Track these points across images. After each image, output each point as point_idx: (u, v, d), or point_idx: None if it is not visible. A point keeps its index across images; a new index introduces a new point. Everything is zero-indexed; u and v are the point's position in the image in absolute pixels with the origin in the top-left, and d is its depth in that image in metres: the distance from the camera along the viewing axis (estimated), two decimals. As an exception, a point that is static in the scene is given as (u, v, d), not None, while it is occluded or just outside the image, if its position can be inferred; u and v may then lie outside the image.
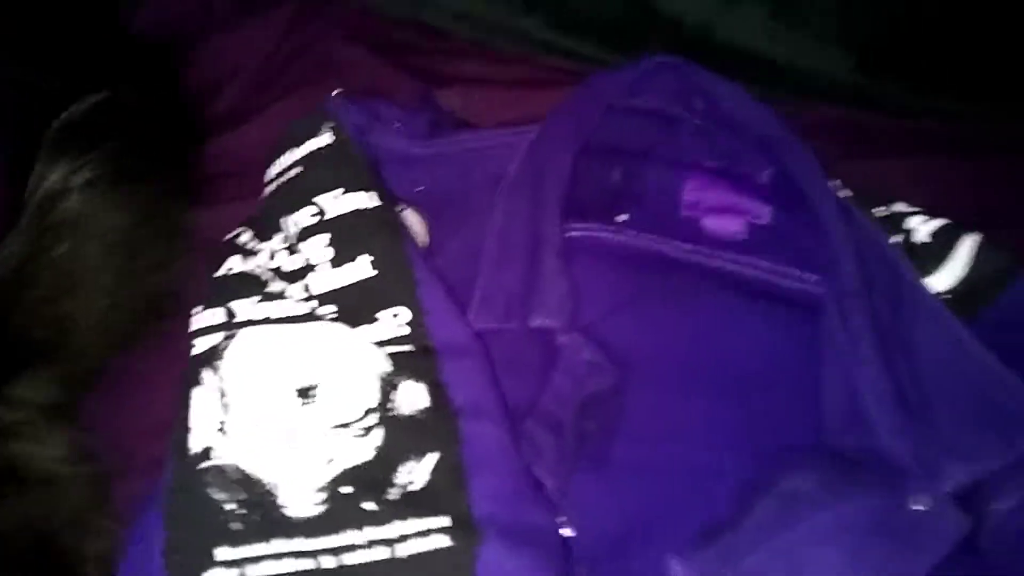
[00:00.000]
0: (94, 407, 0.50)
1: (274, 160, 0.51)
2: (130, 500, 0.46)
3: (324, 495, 0.39)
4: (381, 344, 0.43)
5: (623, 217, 0.56)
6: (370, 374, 0.42)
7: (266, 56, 0.64)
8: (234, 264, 0.47)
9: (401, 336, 0.43)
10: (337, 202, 0.47)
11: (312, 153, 0.49)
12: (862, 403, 0.46)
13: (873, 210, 0.54)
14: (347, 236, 0.46)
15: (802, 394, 0.49)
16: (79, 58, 0.58)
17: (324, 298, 0.45)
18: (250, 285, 0.45)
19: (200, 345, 0.44)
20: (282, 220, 0.48)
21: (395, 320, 0.44)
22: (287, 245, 0.47)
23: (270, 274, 0.46)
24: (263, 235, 0.48)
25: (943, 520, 0.42)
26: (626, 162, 0.57)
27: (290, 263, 0.47)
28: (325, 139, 0.49)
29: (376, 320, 0.44)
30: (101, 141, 0.53)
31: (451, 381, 0.43)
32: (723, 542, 0.43)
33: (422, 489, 0.40)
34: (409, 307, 0.44)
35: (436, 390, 0.42)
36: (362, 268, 0.45)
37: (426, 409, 0.42)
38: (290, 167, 0.49)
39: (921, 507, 0.43)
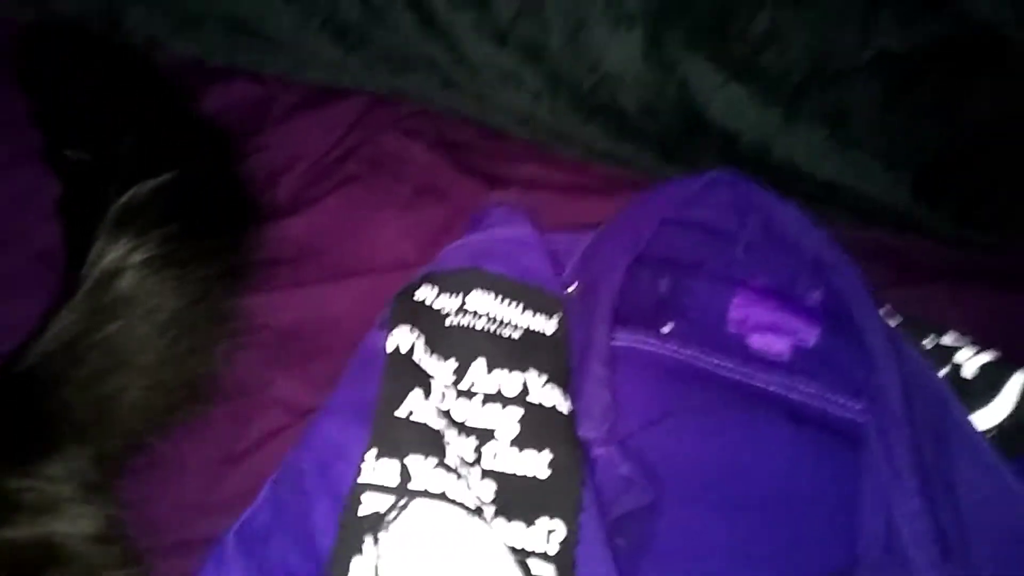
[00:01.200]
0: (128, 487, 0.51)
1: (496, 297, 0.51)
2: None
3: None
4: (527, 554, 0.43)
5: (668, 328, 0.57)
6: None
7: (327, 148, 0.67)
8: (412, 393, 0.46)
9: (549, 554, 0.43)
10: (541, 391, 0.47)
11: (534, 332, 0.50)
12: (900, 537, 0.46)
13: (922, 341, 0.54)
14: (539, 425, 0.46)
15: (838, 522, 0.49)
16: (145, 139, 0.61)
17: (492, 475, 0.45)
18: (432, 442, 0.44)
19: (367, 504, 0.42)
20: (478, 359, 0.48)
21: (550, 534, 0.43)
22: (464, 389, 0.47)
23: (444, 423, 0.46)
24: (434, 347, 0.48)
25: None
26: (675, 273, 0.58)
27: (464, 414, 0.47)
28: (551, 325, 0.50)
29: (532, 524, 0.44)
30: (161, 223, 0.55)
31: None
32: None
33: None
34: (568, 526, 0.44)
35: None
36: (540, 463, 0.45)
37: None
38: (508, 321, 0.50)
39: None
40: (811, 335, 0.56)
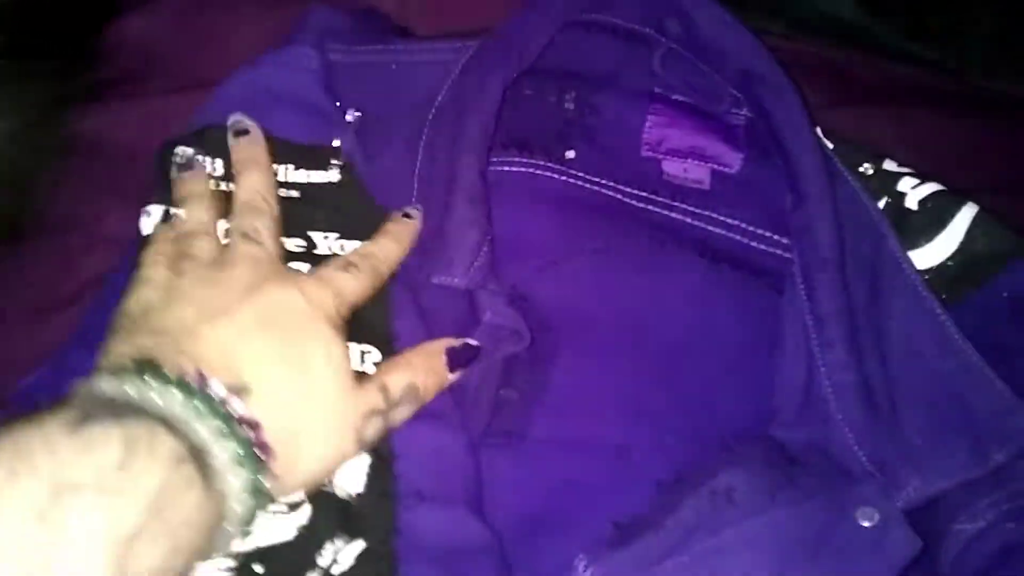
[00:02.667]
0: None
1: None
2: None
3: (232, 566, 0.37)
4: None
5: (571, 153, 0.51)
6: None
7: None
8: None
9: (365, 375, 0.41)
10: (328, 242, 0.45)
11: (313, 185, 0.46)
12: (821, 394, 0.42)
13: (860, 168, 0.49)
14: None
15: (751, 377, 0.45)
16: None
17: None
18: None
19: None
20: None
21: (363, 357, 0.42)
22: None
23: None
24: None
25: (891, 539, 0.38)
26: (581, 88, 0.52)
27: None
28: (332, 175, 0.47)
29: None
30: None
31: (405, 455, 0.40)
32: (641, 543, 0.39)
33: (343, 574, 0.38)
34: (380, 349, 0.42)
35: (380, 468, 0.40)
36: None
37: (362, 493, 0.39)
38: (283, 184, 0.46)
39: (868, 522, 0.39)
40: (734, 160, 0.51)
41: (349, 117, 0.48)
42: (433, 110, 0.48)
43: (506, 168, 0.50)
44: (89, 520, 0.28)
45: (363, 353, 0.42)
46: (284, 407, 0.36)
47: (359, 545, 0.38)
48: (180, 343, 0.35)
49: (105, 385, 0.32)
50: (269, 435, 0.35)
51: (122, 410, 0.31)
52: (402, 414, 0.40)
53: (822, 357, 0.43)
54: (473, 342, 0.42)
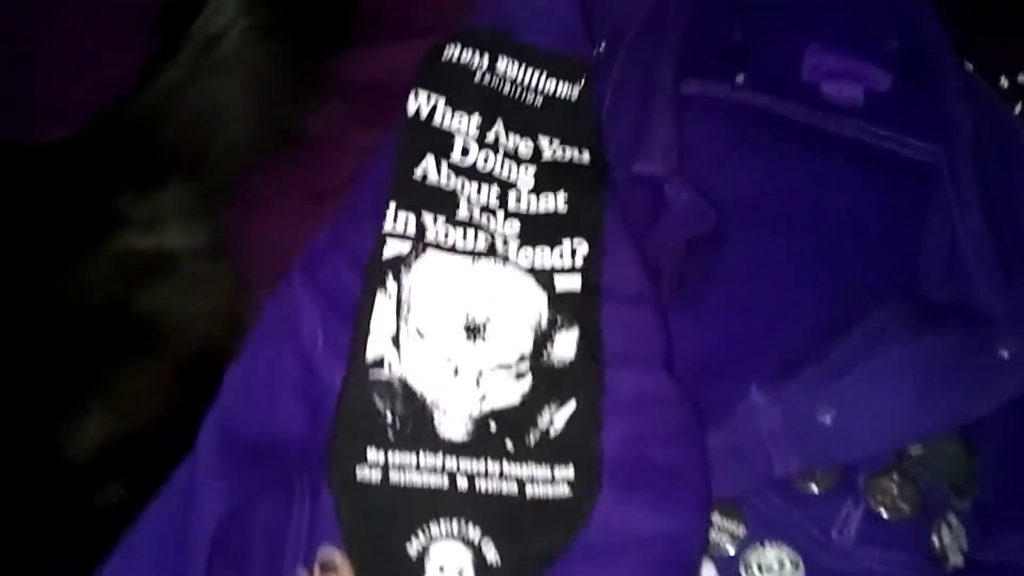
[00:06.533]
0: (229, 225, 0.59)
1: (521, 65, 0.54)
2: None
3: (472, 426, 0.45)
4: (553, 271, 0.49)
5: (740, 78, 0.60)
6: (529, 324, 0.48)
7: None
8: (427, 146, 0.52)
9: (575, 267, 0.49)
10: (553, 148, 0.53)
11: (555, 97, 0.54)
12: (963, 259, 0.51)
13: (998, 81, 0.58)
14: (553, 175, 0.52)
15: (900, 249, 0.54)
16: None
17: (515, 216, 0.51)
18: (443, 202, 0.50)
19: (390, 248, 0.49)
20: (498, 120, 0.53)
21: (574, 250, 0.49)
22: (490, 142, 0.53)
23: (461, 180, 0.51)
24: (459, 105, 0.53)
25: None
26: (749, 21, 0.61)
27: (488, 165, 0.52)
28: (575, 92, 0.54)
29: (558, 244, 0.50)
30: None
31: (609, 327, 0.48)
32: (805, 375, 0.49)
33: (557, 437, 0.46)
34: (590, 242, 0.50)
35: (588, 336, 0.47)
36: (558, 202, 0.51)
37: (573, 361, 0.47)
38: (531, 86, 0.54)
39: (1007, 352, 0.48)
40: (885, 80, 0.59)
41: (596, 49, 0.58)
42: (629, 37, 0.59)
43: (685, 90, 0.59)
44: None
45: (574, 248, 0.50)
46: None
47: (570, 407, 0.46)
48: None
49: None
50: None
51: None
52: None
53: (966, 236, 0.52)
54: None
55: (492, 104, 0.54)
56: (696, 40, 0.60)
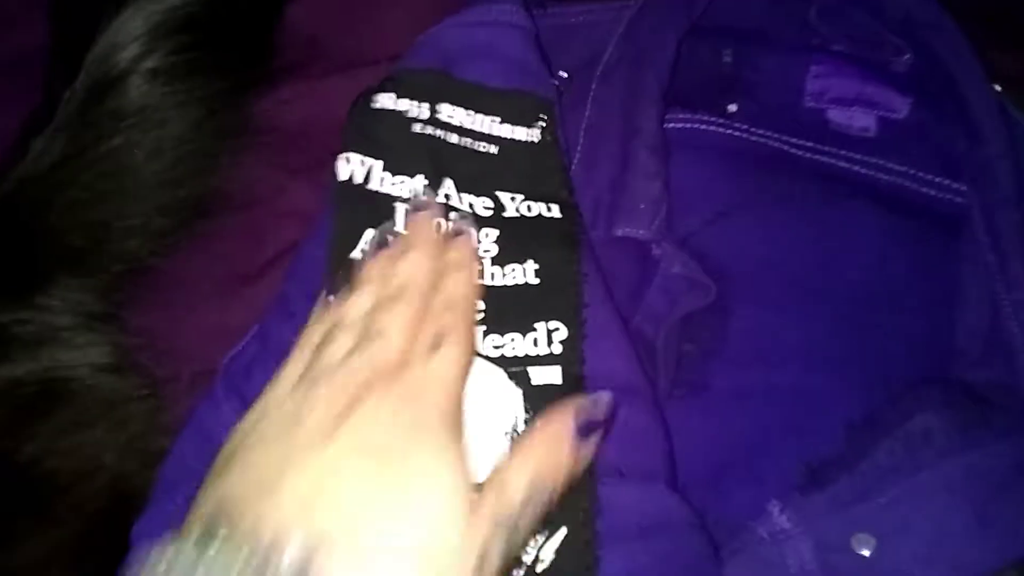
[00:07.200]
0: (139, 316, 0.50)
1: (469, 111, 0.48)
2: (179, 409, 0.47)
3: None
4: (528, 360, 0.42)
5: (733, 107, 0.53)
6: (502, 429, 0.40)
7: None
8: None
9: (552, 355, 0.42)
10: (516, 204, 0.46)
11: (513, 143, 0.47)
12: (1006, 332, 0.44)
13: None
14: (518, 239, 0.44)
15: (929, 320, 0.47)
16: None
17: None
18: None
19: None
20: (447, 178, 0.46)
21: (551, 335, 0.42)
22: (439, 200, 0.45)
23: None
24: (398, 165, 0.46)
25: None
26: (739, 44, 0.54)
27: None
28: (534, 135, 0.47)
29: (531, 330, 0.42)
30: (176, 28, 0.52)
31: None
32: (835, 486, 0.42)
33: (546, 571, 0.38)
34: (568, 324, 0.42)
35: None
36: (527, 273, 0.44)
37: None
38: (482, 133, 0.47)
39: (1066, 456, 0.41)
40: (902, 106, 0.52)
41: (555, 81, 0.49)
42: (601, 66, 0.51)
43: (670, 125, 0.52)
44: None
45: (550, 332, 0.42)
46: (375, 559, 0.32)
47: (560, 536, 0.38)
48: (258, 499, 0.33)
49: (178, 558, 0.31)
50: None
51: None
52: (529, 519, 0.35)
53: (1007, 296, 0.45)
54: (607, 396, 0.38)
55: (437, 160, 0.46)
56: (679, 66, 0.53)
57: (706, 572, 0.41)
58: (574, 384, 0.41)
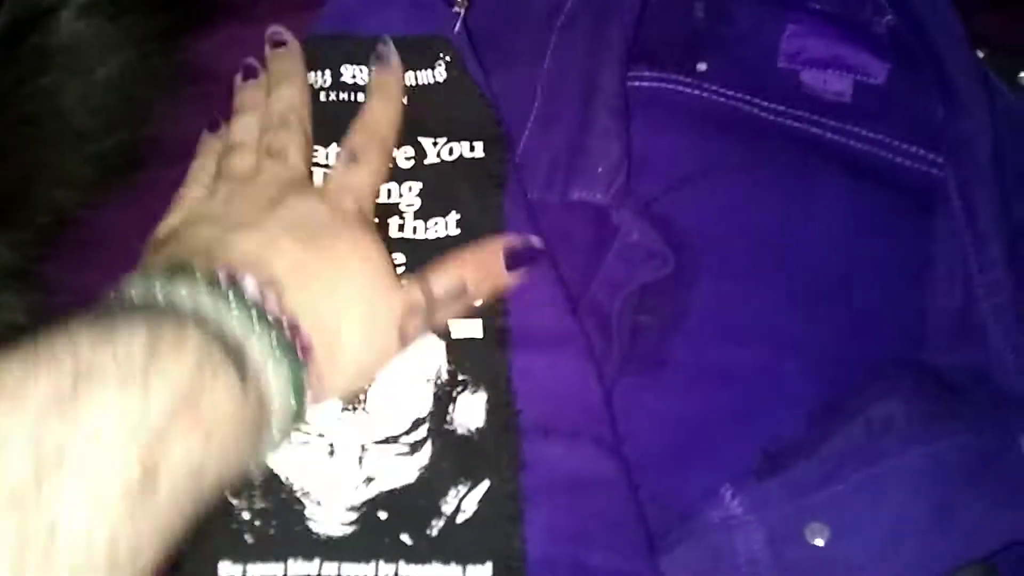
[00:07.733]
0: (61, 270, 0.47)
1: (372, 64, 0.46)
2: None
3: (356, 517, 0.37)
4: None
5: (703, 66, 0.51)
6: (425, 379, 0.40)
7: None
8: None
9: (473, 311, 0.41)
10: (436, 148, 0.44)
11: (421, 87, 0.46)
12: (978, 316, 0.43)
13: (1018, 74, 0.48)
14: (440, 188, 0.44)
15: (900, 301, 0.45)
16: None
17: (397, 246, 0.42)
18: None
19: None
20: None
21: None
22: None
23: None
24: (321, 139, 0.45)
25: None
26: (712, -3, 0.51)
27: None
28: (439, 74, 0.46)
29: None
30: None
31: (521, 387, 0.39)
32: (792, 472, 0.40)
33: (468, 522, 0.37)
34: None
35: (498, 396, 0.39)
36: (448, 225, 0.43)
37: (483, 428, 0.39)
38: None
39: (1030, 443, 0.39)
40: (879, 70, 0.50)
41: (457, 9, 0.47)
42: (562, 17, 0.48)
43: (635, 83, 0.50)
44: (111, 413, 0.27)
45: None
46: (320, 304, 0.36)
47: (483, 487, 0.38)
48: (211, 252, 0.36)
49: (134, 290, 0.33)
50: (306, 331, 0.35)
51: (149, 310, 0.31)
52: (447, 313, 0.39)
53: (981, 277, 0.43)
54: (537, 243, 0.41)
55: (349, 124, 0.45)
56: (647, 20, 0.50)
57: (632, 529, 0.39)
58: (495, 336, 0.40)
